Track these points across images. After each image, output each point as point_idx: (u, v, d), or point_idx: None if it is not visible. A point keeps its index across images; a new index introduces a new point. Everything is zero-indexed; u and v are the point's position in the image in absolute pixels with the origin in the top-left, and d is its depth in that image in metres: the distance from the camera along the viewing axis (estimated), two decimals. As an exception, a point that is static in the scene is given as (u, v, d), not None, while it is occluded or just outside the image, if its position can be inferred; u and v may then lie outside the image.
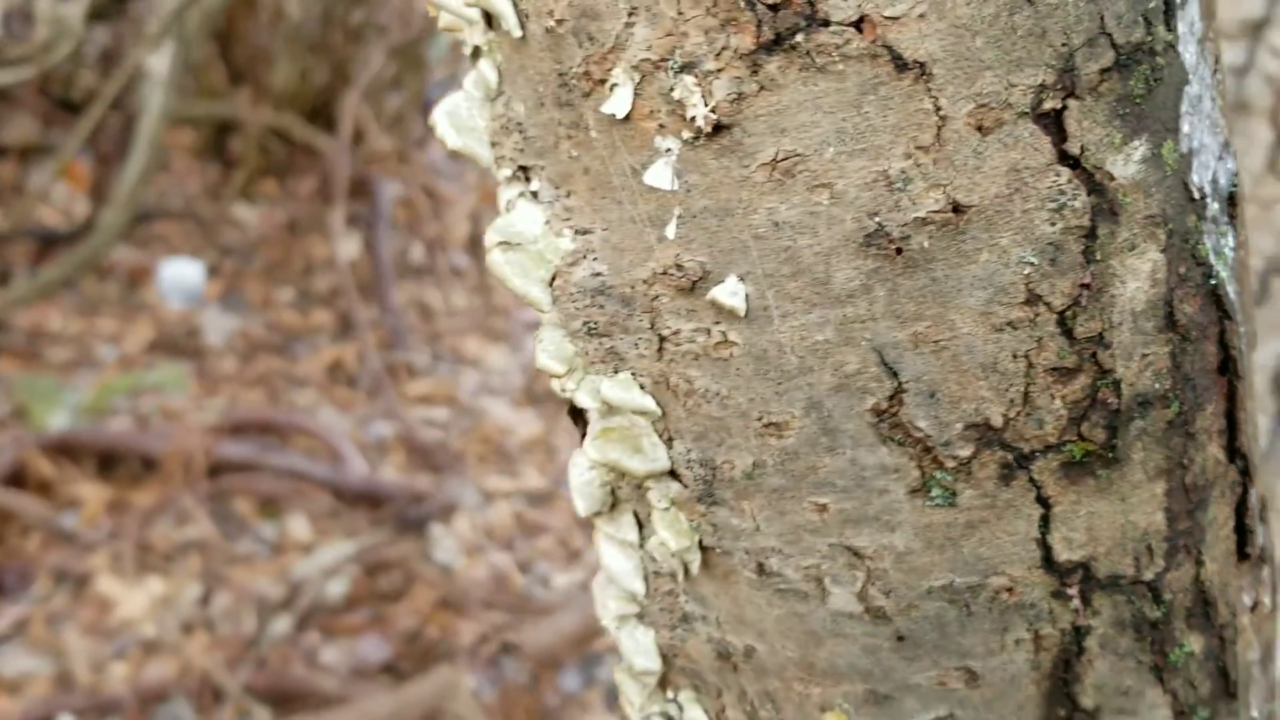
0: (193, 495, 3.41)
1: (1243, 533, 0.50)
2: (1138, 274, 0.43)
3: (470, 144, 0.48)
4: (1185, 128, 0.44)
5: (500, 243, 0.47)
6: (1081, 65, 0.41)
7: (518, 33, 0.45)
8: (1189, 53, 0.44)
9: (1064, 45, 0.40)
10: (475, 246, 4.73)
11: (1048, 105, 0.41)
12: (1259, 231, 1.50)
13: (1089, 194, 0.42)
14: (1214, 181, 0.46)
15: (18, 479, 3.27)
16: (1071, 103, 0.41)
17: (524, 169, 0.48)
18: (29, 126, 4.56)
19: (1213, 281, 0.46)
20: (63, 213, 4.50)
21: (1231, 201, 0.47)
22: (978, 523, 0.45)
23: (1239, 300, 0.48)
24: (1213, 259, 0.46)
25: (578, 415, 0.54)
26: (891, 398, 0.44)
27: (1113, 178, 0.42)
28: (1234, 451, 0.49)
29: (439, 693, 2.34)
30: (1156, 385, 0.45)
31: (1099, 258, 0.43)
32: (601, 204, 0.46)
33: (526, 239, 0.47)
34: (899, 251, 0.42)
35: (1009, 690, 0.48)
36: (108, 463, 3.50)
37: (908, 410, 0.44)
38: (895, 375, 0.44)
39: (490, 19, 0.45)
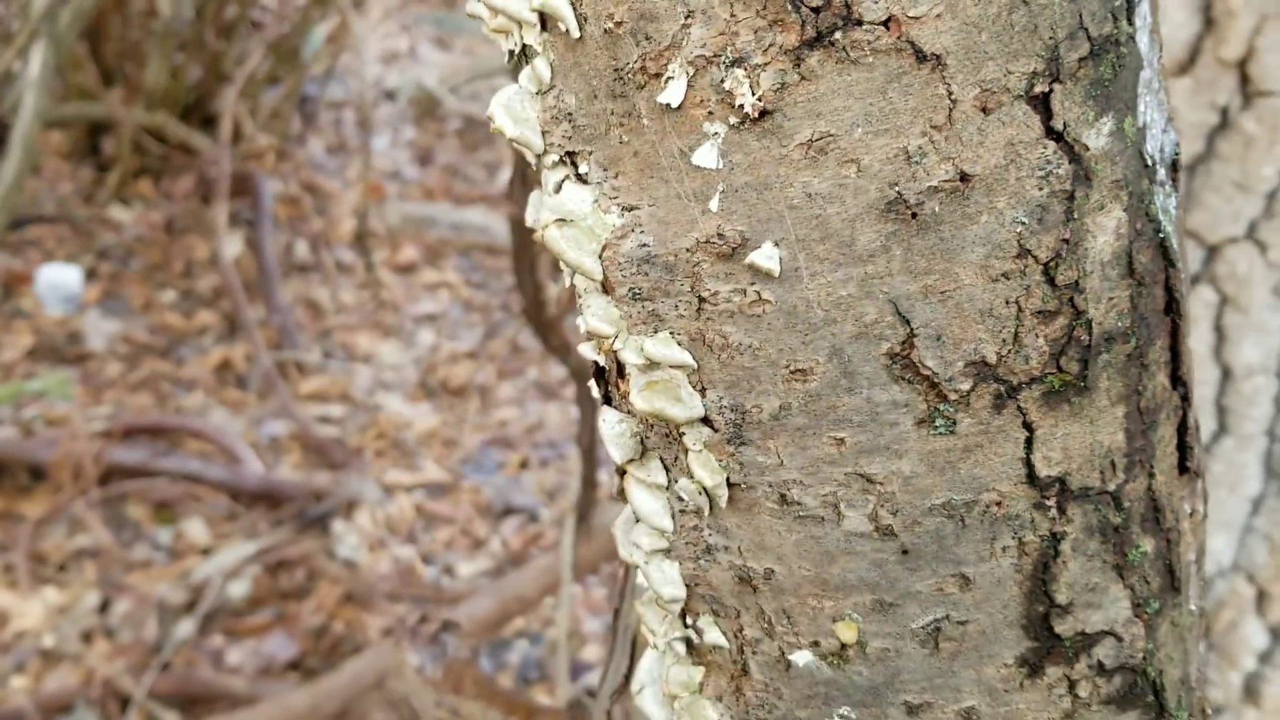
0: (84, 503, 3.35)
1: (1184, 450, 0.59)
2: (1105, 230, 0.52)
3: (525, 132, 0.54)
4: (1141, 106, 0.53)
5: (556, 220, 0.53)
6: (1065, 55, 0.49)
7: (576, 33, 0.51)
8: (1143, 42, 0.53)
9: (1051, 38, 0.49)
10: (361, 242, 4.72)
11: (1038, 89, 0.50)
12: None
13: (1070, 163, 0.51)
14: (1161, 150, 0.55)
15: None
16: (1056, 86, 0.50)
17: (571, 154, 0.54)
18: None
19: (1160, 235, 0.55)
20: (-71, 219, 4.34)
21: (1173, 167, 0.56)
22: (973, 447, 0.54)
23: (1180, 250, 0.57)
24: (1161, 216, 0.55)
25: (601, 376, 0.60)
26: (904, 342, 0.52)
27: (1087, 148, 0.51)
28: (1177, 380, 0.58)
29: (371, 676, 2.37)
30: (1119, 324, 0.54)
31: (1076, 216, 0.51)
32: (649, 183, 0.52)
33: (578, 216, 0.54)
34: (914, 216, 0.50)
35: (996, 591, 0.57)
36: (-6, 474, 3.41)
37: (918, 352, 0.52)
38: (908, 323, 0.52)
39: (545, 21, 0.52)
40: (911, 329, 0.52)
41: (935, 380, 0.53)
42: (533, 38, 0.53)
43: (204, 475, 3.50)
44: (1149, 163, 0.54)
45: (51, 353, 4.01)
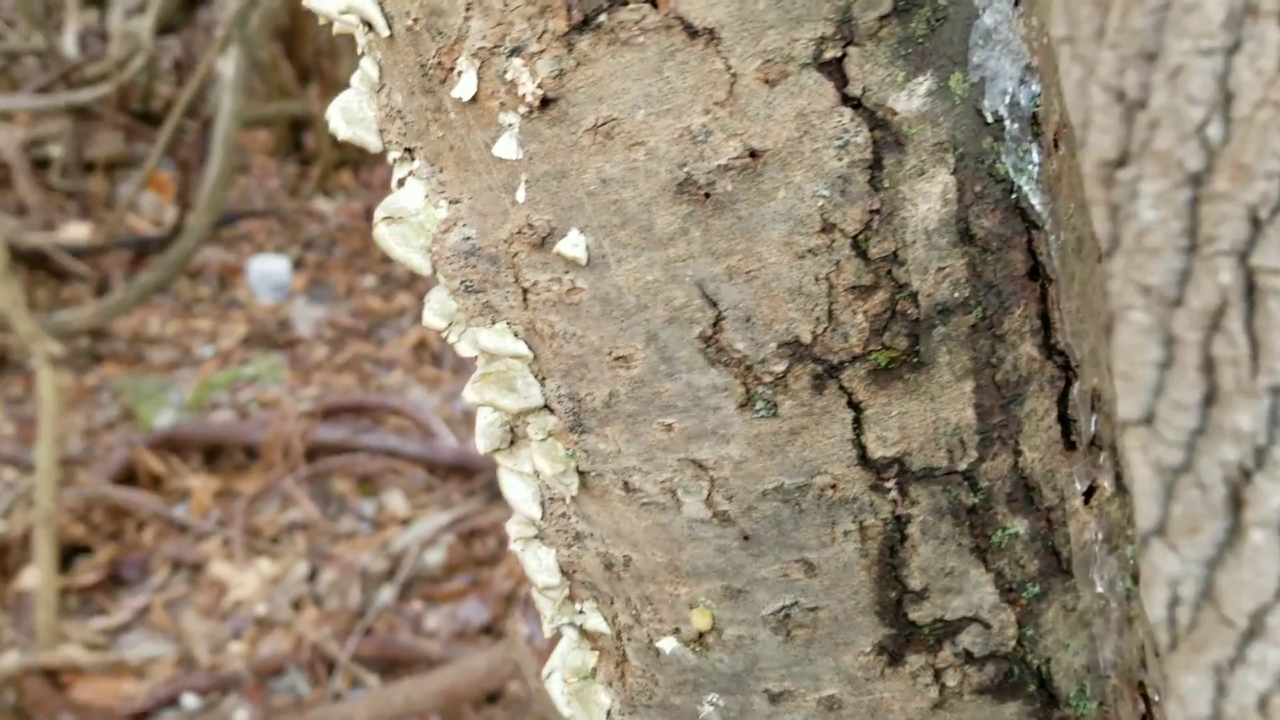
0: (294, 479, 3.56)
1: (1067, 423, 0.55)
2: (929, 196, 0.49)
3: (359, 132, 0.56)
4: (975, 59, 0.50)
5: (385, 218, 0.55)
6: (859, 15, 0.47)
7: (386, 32, 0.52)
8: (982, -12, 0.49)
9: (841, 0, 0.46)
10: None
11: (829, 55, 0.47)
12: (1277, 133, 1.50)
13: (872, 129, 0.48)
14: (1013, 104, 0.51)
15: (130, 477, 3.47)
16: (852, 50, 0.47)
17: (409, 150, 0.55)
18: (113, 141, 4.79)
19: (1014, 195, 0.51)
20: (152, 221, 4.73)
21: (1034, 121, 0.52)
22: (799, 429, 0.52)
23: (1050, 209, 0.53)
24: (1014, 175, 0.51)
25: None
26: (714, 325, 0.51)
27: (895, 112, 0.48)
28: (1051, 349, 0.54)
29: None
30: (955, 294, 0.51)
31: (886, 185, 0.49)
32: (466, 176, 0.53)
33: (409, 212, 0.55)
34: (707, 196, 0.49)
35: (844, 577, 0.54)
36: (213, 455, 3.69)
37: (727, 335, 0.51)
38: (715, 305, 0.50)
39: (368, 22, 0.53)
40: (719, 311, 0.51)
41: (748, 363, 0.51)
42: (361, 38, 0.54)
43: (402, 450, 3.67)
44: (990, 119, 0.50)
45: (264, 339, 4.29)
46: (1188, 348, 1.26)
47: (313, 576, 3.46)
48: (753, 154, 0.48)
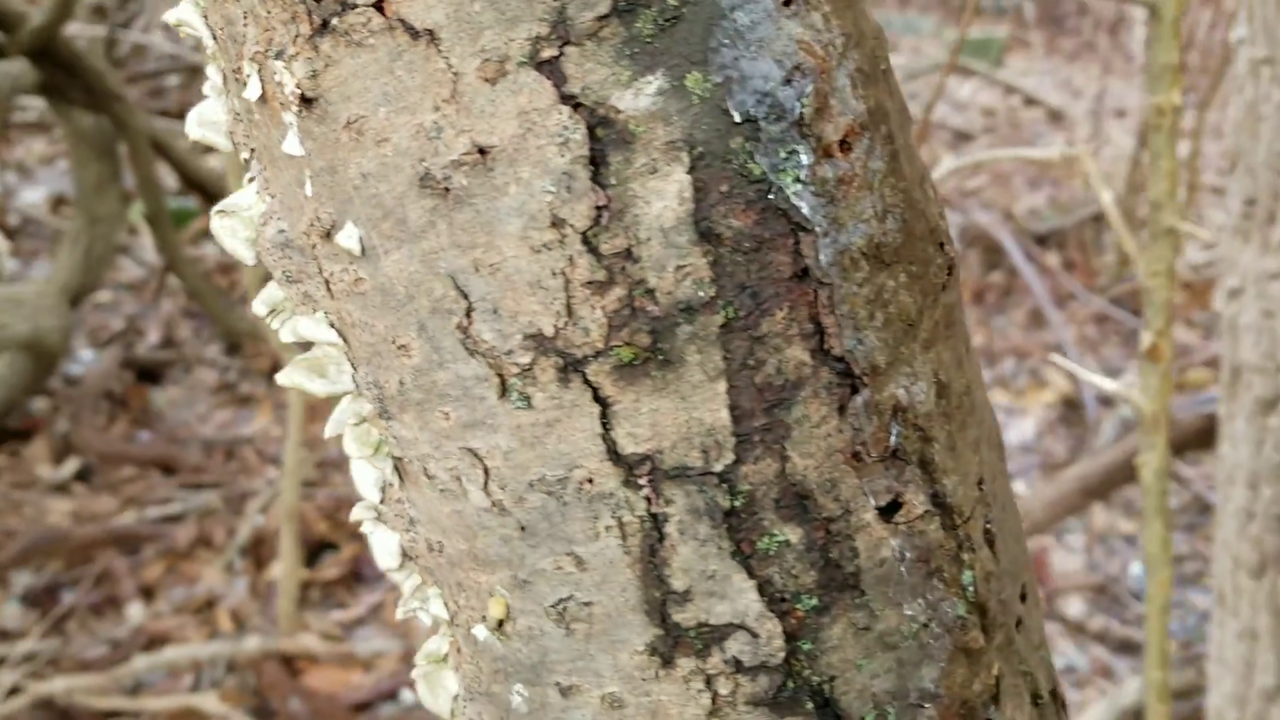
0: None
1: (856, 431, 0.53)
2: (663, 194, 0.49)
3: (208, 134, 0.61)
4: (721, 59, 0.49)
5: (219, 212, 0.59)
6: (575, 15, 0.48)
7: (210, 44, 0.57)
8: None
9: (555, 1, 0.47)
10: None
11: (546, 54, 0.48)
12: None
13: (594, 127, 0.48)
14: (774, 105, 0.50)
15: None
16: (569, 49, 0.48)
17: (253, 150, 0.60)
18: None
19: (772, 197, 0.50)
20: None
21: (803, 122, 0.51)
22: (553, 422, 0.52)
23: (827, 212, 0.51)
24: (773, 176, 0.50)
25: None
26: (467, 316, 0.52)
27: (619, 111, 0.48)
28: (826, 355, 0.52)
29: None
30: (699, 293, 0.50)
31: (614, 182, 0.49)
32: (274, 172, 0.57)
33: (242, 207, 0.59)
34: (447, 191, 0.50)
35: (611, 573, 0.54)
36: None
37: (476, 326, 0.52)
38: (466, 297, 0.52)
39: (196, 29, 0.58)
40: (470, 303, 0.52)
41: (496, 354, 0.52)
42: (206, 44, 0.59)
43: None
44: (742, 119, 0.49)
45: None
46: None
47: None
48: (481, 150, 0.49)
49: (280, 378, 0.60)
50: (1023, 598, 0.63)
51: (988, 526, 0.59)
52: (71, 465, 3.68)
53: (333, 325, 0.58)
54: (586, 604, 0.55)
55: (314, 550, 3.89)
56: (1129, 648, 3.37)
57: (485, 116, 0.49)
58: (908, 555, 0.55)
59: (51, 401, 3.87)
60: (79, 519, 3.57)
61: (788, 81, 0.51)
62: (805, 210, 0.51)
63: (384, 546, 0.63)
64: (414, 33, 0.49)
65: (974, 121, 5.76)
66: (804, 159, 0.51)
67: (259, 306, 0.60)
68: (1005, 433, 4.22)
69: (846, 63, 0.52)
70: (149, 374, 4.06)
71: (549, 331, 0.51)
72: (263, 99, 0.54)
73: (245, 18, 0.53)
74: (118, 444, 3.75)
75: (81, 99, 3.16)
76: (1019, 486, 3.96)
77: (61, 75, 3.09)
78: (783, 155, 0.50)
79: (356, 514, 0.64)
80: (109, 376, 3.94)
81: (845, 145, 0.52)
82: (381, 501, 0.62)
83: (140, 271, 4.48)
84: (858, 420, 0.53)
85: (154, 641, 3.38)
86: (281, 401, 4.05)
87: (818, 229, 0.51)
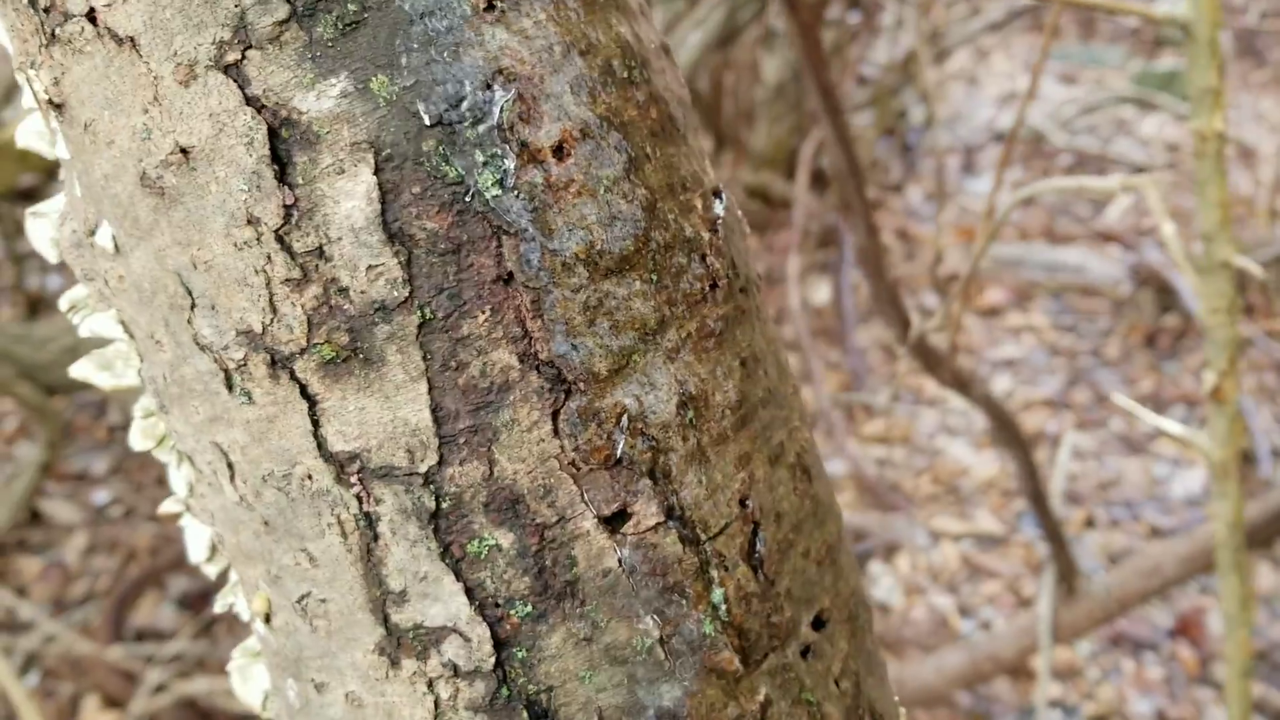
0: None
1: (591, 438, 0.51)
2: (351, 194, 0.49)
3: (34, 143, 0.64)
4: (410, 63, 0.49)
5: (32, 213, 0.62)
6: (255, 21, 0.49)
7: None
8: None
9: (236, 6, 0.49)
10: (943, 286, 4.70)
11: (229, 58, 0.49)
12: None
13: (277, 128, 0.49)
14: (473, 109, 0.50)
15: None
16: (252, 53, 0.49)
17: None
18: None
19: (470, 199, 0.50)
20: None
21: (503, 126, 0.50)
22: (273, 417, 0.53)
23: (534, 218, 0.51)
24: (473, 179, 0.50)
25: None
26: (192, 310, 0.53)
27: (303, 113, 0.49)
28: (535, 359, 0.51)
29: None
30: (394, 293, 0.50)
31: (301, 181, 0.49)
32: (65, 174, 0.59)
33: (52, 210, 0.62)
34: (162, 191, 0.52)
35: (339, 571, 0.54)
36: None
37: (197, 321, 0.53)
38: (190, 293, 0.53)
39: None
40: (193, 299, 0.53)
41: (215, 349, 0.53)
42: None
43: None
44: (431, 122, 0.49)
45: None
46: None
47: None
48: (184, 150, 0.51)
49: (72, 371, 0.62)
50: (820, 625, 0.59)
51: (753, 546, 0.56)
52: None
53: (121, 322, 0.60)
54: (323, 600, 0.56)
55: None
56: (1290, 719, 3.11)
57: (184, 118, 0.50)
58: (638, 567, 0.53)
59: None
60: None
61: (488, 86, 0.50)
62: (509, 214, 0.50)
63: (194, 540, 0.65)
64: (118, 39, 0.51)
65: (1156, 157, 5.49)
66: (508, 163, 0.50)
67: (64, 301, 0.63)
68: (1170, 485, 3.97)
69: (565, 70, 0.51)
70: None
71: (258, 328, 0.52)
72: (35, 106, 0.57)
73: (10, 33, 0.56)
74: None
75: None
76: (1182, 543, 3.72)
77: None
78: (482, 159, 0.50)
79: (166, 507, 0.66)
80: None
81: (561, 151, 0.51)
82: (189, 494, 0.64)
83: None
84: (571, 427, 0.51)
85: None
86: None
87: (523, 233, 0.50)
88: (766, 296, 4.41)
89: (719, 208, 0.58)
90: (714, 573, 0.54)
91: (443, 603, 0.53)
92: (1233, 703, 1.57)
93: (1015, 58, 6.47)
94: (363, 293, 0.50)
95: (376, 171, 0.49)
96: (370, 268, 0.50)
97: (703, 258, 0.56)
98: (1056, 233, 5.02)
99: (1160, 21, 1.18)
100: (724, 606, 0.55)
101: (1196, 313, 1.51)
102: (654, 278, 0.53)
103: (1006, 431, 2.28)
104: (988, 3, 5.04)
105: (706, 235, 0.57)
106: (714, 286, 0.56)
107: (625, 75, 0.54)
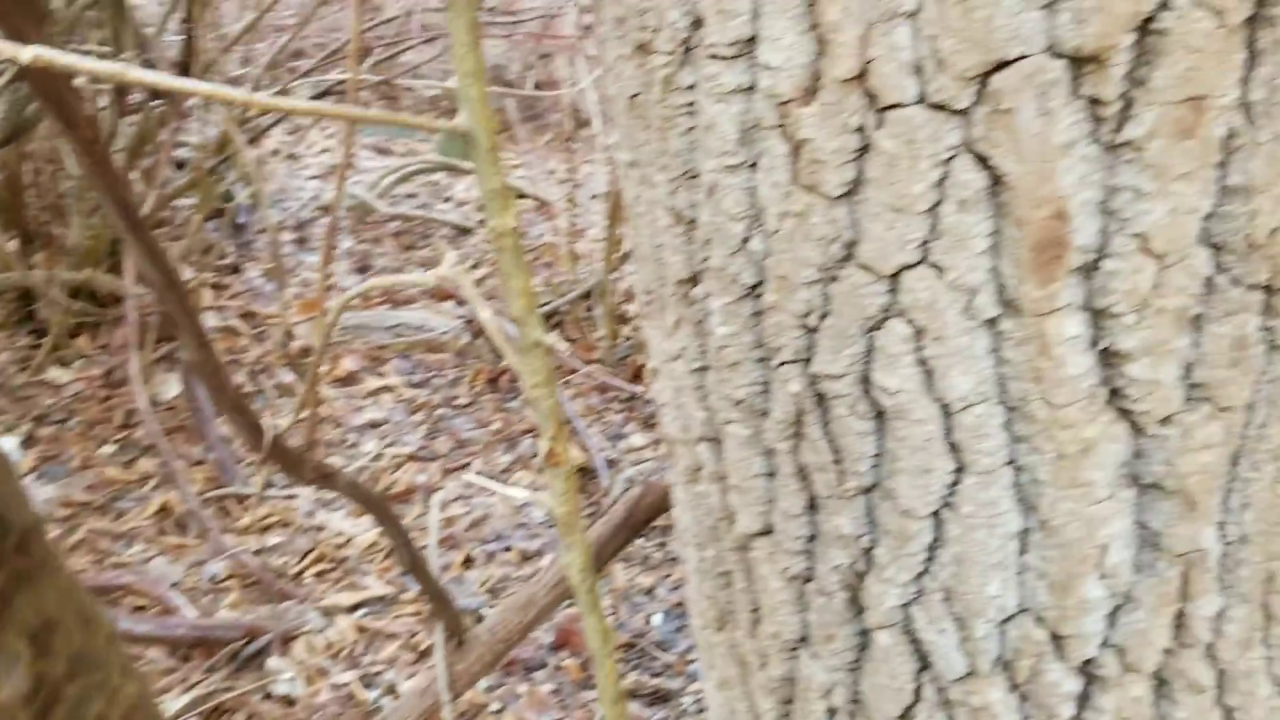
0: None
1: None
2: None
3: None
4: None
5: None
6: None
7: None
8: None
9: None
10: (297, 362, 4.73)
11: None
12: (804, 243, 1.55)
13: None
14: None
15: None
16: None
17: None
18: None
19: None
20: None
21: None
22: None
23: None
24: None
25: None
26: None
27: None
28: None
29: None
30: None
31: None
32: None
33: None
34: None
35: None
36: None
37: None
38: None
39: None
40: None
41: None
42: None
43: (133, 631, 3.48)
44: None
45: (-13, 527, 4.06)
46: (782, 457, 1.26)
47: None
48: None
49: None
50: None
51: None
52: None
53: None
54: None
55: None
56: (661, 698, 3.55)
57: None
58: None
59: None
60: None
61: None
62: None
63: None
64: None
65: (472, 217, 5.96)
66: None
67: None
68: (530, 511, 4.33)
69: None
70: None
71: None
72: None
73: None
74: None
75: None
76: (549, 573, 4.08)
77: None
78: None
79: None
80: None
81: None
82: None
83: None
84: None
85: None
86: None
87: None
88: (111, 400, 4.17)
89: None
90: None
91: None
92: None
93: (332, 134, 6.67)
94: None
95: None
96: None
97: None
98: (398, 297, 5.27)
99: (444, 130, 1.31)
100: None
101: (522, 384, 1.71)
102: None
103: (376, 512, 2.38)
104: (298, 87, 5.15)
105: None
106: None
107: None
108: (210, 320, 4.99)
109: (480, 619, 3.70)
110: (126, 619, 3.52)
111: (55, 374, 4.83)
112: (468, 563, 4.06)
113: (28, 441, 4.40)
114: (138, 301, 4.27)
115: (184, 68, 4.44)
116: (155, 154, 4.73)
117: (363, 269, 5.56)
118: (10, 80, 3.67)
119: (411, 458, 4.46)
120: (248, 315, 5.12)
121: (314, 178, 6.24)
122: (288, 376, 4.85)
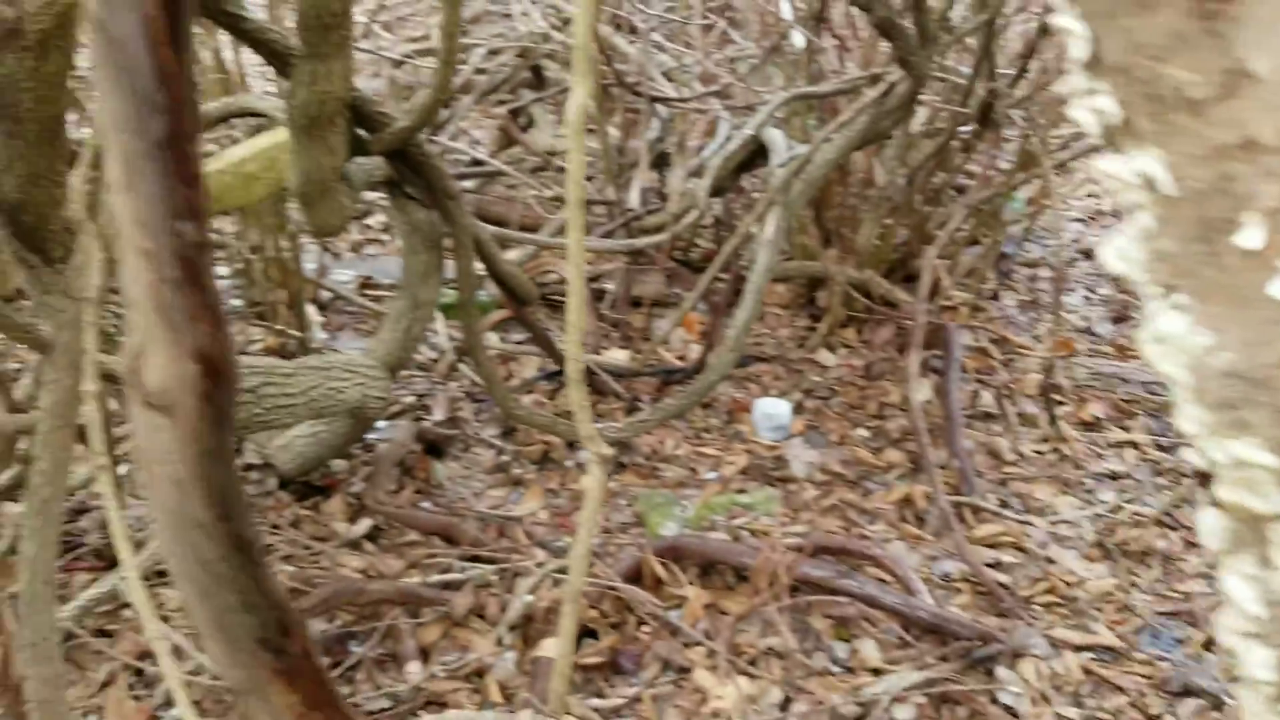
0: (776, 608, 3.75)
1: None
2: None
3: (1128, 269, 0.71)
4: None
5: (1154, 339, 0.69)
6: None
7: (1171, 192, 0.68)
8: None
9: None
10: (1046, 395, 4.82)
11: None
12: None
13: None
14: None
15: (637, 577, 3.81)
16: None
17: (1169, 286, 0.70)
18: (658, 283, 5.38)
19: None
20: (677, 355, 5.23)
21: None
22: None
23: None
24: None
25: (1206, 477, 0.73)
26: None
27: None
28: None
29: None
30: None
31: None
32: (1227, 309, 0.67)
33: (1172, 337, 0.69)
34: None
35: None
36: (707, 570, 3.96)
37: None
38: None
39: (1151, 184, 0.69)
40: None
41: None
42: (1138, 196, 0.70)
43: (880, 600, 3.75)
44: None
45: (760, 473, 4.57)
46: None
47: (785, 705, 3.60)
48: None
49: (1225, 494, 0.69)
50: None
51: None
52: (364, 525, 3.89)
53: (1269, 450, 0.67)
54: None
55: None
56: None
57: None
58: None
59: (350, 463, 4.11)
60: (369, 576, 3.76)
61: None
62: None
63: (1256, 659, 0.70)
64: None
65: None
66: None
67: (1189, 426, 0.70)
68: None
69: None
70: (433, 448, 4.27)
71: None
72: (1256, 250, 0.64)
73: (1263, 178, 0.63)
74: (407, 510, 3.94)
75: (421, 196, 3.43)
76: None
77: (409, 173, 3.37)
78: None
79: (1229, 623, 0.71)
80: (403, 447, 4.16)
81: None
82: (1268, 618, 0.69)
83: (431, 354, 4.75)
84: None
85: (431, 702, 3.52)
86: (549, 487, 4.21)
87: None
88: (868, 392, 4.47)
89: None
90: None
91: None
92: None
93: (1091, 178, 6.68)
94: None
95: None
96: None
97: None
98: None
99: None
100: None
101: None
102: None
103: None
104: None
105: None
106: None
107: None
108: (965, 338, 5.23)
109: (1220, 705, 3.54)
110: (875, 587, 3.79)
111: (824, 356, 5.32)
112: (1209, 644, 3.90)
113: (797, 408, 4.90)
114: (921, 309, 4.59)
115: (986, 107, 4.68)
116: (945, 174, 5.04)
117: (1118, 318, 5.52)
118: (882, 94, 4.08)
119: (1158, 522, 4.37)
120: (1000, 340, 5.29)
121: (1076, 219, 6.29)
122: (1030, 407, 4.95)
